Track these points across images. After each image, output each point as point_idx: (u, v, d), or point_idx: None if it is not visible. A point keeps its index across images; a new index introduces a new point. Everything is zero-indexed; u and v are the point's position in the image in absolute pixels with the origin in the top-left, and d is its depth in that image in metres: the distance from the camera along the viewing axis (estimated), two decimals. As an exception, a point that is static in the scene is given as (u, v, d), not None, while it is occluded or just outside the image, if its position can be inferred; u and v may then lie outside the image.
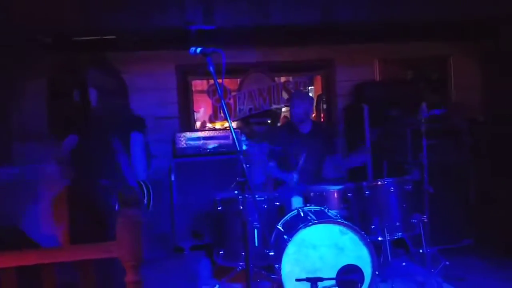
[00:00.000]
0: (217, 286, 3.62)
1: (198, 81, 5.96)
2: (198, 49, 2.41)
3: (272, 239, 3.48)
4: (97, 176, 3.05)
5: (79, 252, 1.60)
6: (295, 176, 3.92)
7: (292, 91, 5.51)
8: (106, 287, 2.71)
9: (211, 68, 2.35)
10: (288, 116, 6.30)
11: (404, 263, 4.04)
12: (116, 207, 2.97)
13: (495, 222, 4.58)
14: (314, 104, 5.36)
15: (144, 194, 3.23)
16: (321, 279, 3.00)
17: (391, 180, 3.66)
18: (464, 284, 3.67)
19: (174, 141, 4.98)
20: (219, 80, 2.40)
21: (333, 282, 3.11)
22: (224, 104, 2.42)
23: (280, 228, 3.46)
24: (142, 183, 3.24)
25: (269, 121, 5.75)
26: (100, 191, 3.01)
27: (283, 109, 6.36)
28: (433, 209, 3.79)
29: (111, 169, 3.00)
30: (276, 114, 5.87)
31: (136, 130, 3.21)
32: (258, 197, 3.71)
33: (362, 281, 3.14)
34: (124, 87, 3.60)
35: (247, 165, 2.51)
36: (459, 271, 3.84)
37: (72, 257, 1.59)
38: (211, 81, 5.46)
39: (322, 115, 5.85)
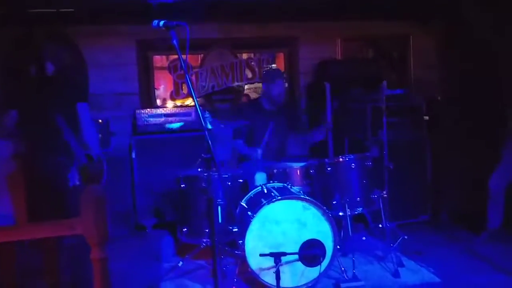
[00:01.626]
0: (181, 263, 3.61)
1: (158, 58, 5.82)
2: (161, 22, 2.34)
3: (236, 215, 3.50)
4: (48, 152, 2.97)
5: (41, 229, 1.55)
6: (259, 152, 3.93)
7: (264, 70, 5.46)
8: (74, 269, 2.67)
9: (175, 42, 2.29)
10: (250, 94, 6.29)
11: (364, 238, 4.17)
12: (70, 183, 2.90)
13: (450, 197, 4.77)
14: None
15: (99, 168, 3.17)
16: (284, 254, 3.04)
17: (352, 156, 3.72)
18: (422, 257, 3.81)
19: (134, 118, 4.88)
20: (183, 56, 2.35)
21: (296, 256, 3.17)
22: (189, 79, 2.37)
23: (244, 204, 3.47)
24: (95, 156, 3.16)
25: (231, 98, 5.70)
26: (56, 167, 2.93)
27: (246, 87, 6.33)
28: (392, 185, 3.90)
29: (59, 144, 2.91)
30: (238, 91, 5.83)
31: (81, 101, 3.12)
32: (222, 174, 3.71)
33: (323, 255, 3.21)
34: (82, 62, 3.49)
35: (212, 142, 2.49)
36: (417, 245, 3.99)
37: (35, 234, 1.54)
38: (172, 57, 5.35)
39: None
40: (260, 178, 3.89)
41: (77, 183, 2.88)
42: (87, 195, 1.55)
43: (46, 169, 2.99)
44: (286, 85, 4.68)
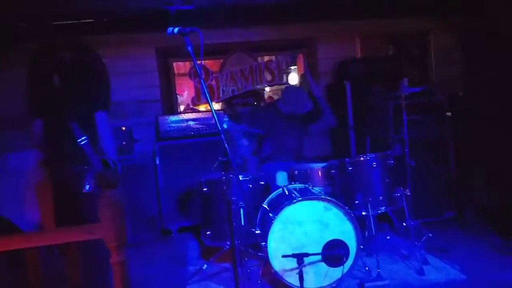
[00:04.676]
0: (205, 266, 3.65)
1: (181, 64, 5.92)
2: (176, 29, 2.39)
3: (258, 217, 3.52)
4: (66, 162, 3.04)
5: (62, 235, 1.60)
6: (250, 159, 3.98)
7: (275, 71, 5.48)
8: (94, 274, 2.73)
9: (189, 48, 2.34)
10: (272, 96, 6.32)
11: (388, 237, 4.12)
12: (85, 190, 2.96)
13: (475, 194, 4.67)
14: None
15: (116, 174, 3.23)
16: (307, 255, 3.04)
17: (373, 155, 3.70)
18: (447, 255, 3.75)
19: (157, 124, 4.96)
20: (198, 61, 2.39)
21: (319, 257, 3.17)
22: (204, 84, 2.41)
23: (266, 206, 3.49)
24: (111, 162, 3.22)
25: (253, 102, 5.74)
26: (74, 176, 3.00)
27: (267, 89, 6.36)
28: (415, 183, 3.86)
29: (75, 153, 2.98)
30: (259, 94, 5.86)
31: (99, 110, 3.19)
32: (243, 177, 3.74)
33: (347, 255, 3.20)
34: (103, 71, 3.57)
35: (229, 145, 2.52)
36: (442, 242, 3.93)
37: (55, 240, 1.59)
38: (193, 63, 5.40)
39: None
40: (281, 177, 3.91)
41: (92, 189, 2.94)
42: (105, 200, 1.59)
43: (65, 178, 3.05)
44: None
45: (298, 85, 5.79)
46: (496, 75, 4.61)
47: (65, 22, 4.48)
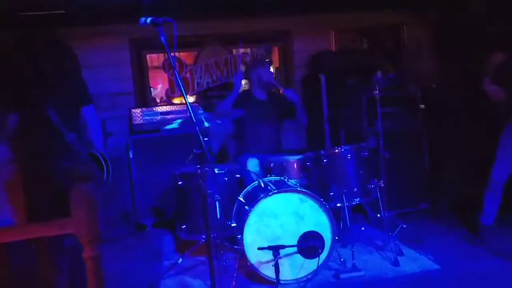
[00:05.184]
0: (180, 260, 3.62)
1: (155, 57, 5.81)
2: (149, 19, 2.34)
3: (234, 210, 3.51)
4: (52, 156, 2.96)
5: (32, 230, 1.55)
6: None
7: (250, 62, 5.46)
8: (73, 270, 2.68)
9: (162, 39, 2.29)
10: (247, 88, 6.27)
11: (363, 228, 4.18)
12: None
13: (449, 185, 4.76)
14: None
15: (104, 167, 3.18)
16: (283, 247, 3.05)
17: (347, 147, 3.72)
18: (421, 245, 3.81)
19: (130, 118, 4.88)
20: (172, 53, 2.35)
21: (295, 249, 3.18)
22: (178, 76, 2.37)
23: (241, 199, 3.48)
24: (100, 155, 3.16)
25: (228, 94, 5.69)
26: (61, 172, 2.92)
27: (242, 82, 6.31)
28: (389, 174, 3.90)
29: (62, 147, 2.90)
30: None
31: (85, 105, 3.12)
32: (219, 170, 3.72)
33: (322, 247, 3.22)
34: (77, 64, 3.47)
35: (206, 138, 2.50)
36: (416, 233, 3.99)
37: (25, 235, 1.54)
38: (167, 55, 5.32)
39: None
40: (252, 163, 3.91)
41: None
42: (77, 194, 1.55)
43: (50, 174, 2.96)
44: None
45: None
46: (469, 69, 4.70)
47: (36, 13, 4.35)
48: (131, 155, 4.74)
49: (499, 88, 3.74)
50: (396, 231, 3.78)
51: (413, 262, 3.50)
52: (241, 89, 5.86)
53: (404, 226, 3.84)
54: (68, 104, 3.10)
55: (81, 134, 3.09)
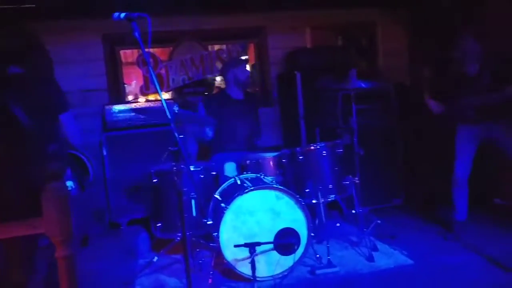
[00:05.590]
0: (156, 258, 3.58)
1: (129, 53, 5.73)
2: (122, 14, 2.29)
3: (210, 208, 3.49)
4: (32, 159, 2.86)
5: (2, 230, 1.51)
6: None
7: (226, 60, 5.43)
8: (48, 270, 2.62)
9: (136, 34, 2.24)
10: (222, 86, 6.25)
11: (338, 224, 4.22)
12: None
13: (423, 181, 4.85)
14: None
15: (89, 168, 3.10)
16: (259, 244, 3.05)
17: (323, 144, 3.74)
18: (396, 240, 3.88)
19: (103, 115, 4.78)
20: (146, 49, 2.31)
21: (271, 246, 3.19)
22: (153, 72, 2.33)
23: (218, 196, 3.47)
24: (84, 157, 3.09)
25: (203, 91, 5.66)
26: (32, 173, 2.83)
27: (217, 78, 6.29)
28: (364, 171, 3.94)
29: (31, 148, 2.81)
30: (210, 83, 5.78)
31: (63, 111, 3.01)
32: (195, 167, 3.69)
33: (298, 243, 3.24)
34: (49, 61, 3.36)
35: (181, 135, 2.47)
36: (390, 229, 4.04)
37: (-6, 235, 1.50)
38: (141, 51, 5.26)
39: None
40: (230, 168, 3.90)
41: (76, 187, 2.82)
42: (48, 193, 1.51)
43: (23, 176, 2.85)
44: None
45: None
46: (441, 66, 4.78)
47: (5, 7, 4.22)
48: (104, 153, 4.66)
49: (436, 103, 3.85)
50: (371, 227, 3.83)
51: (388, 257, 3.55)
52: (216, 88, 5.87)
53: (379, 222, 3.89)
54: (44, 111, 2.97)
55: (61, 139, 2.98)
